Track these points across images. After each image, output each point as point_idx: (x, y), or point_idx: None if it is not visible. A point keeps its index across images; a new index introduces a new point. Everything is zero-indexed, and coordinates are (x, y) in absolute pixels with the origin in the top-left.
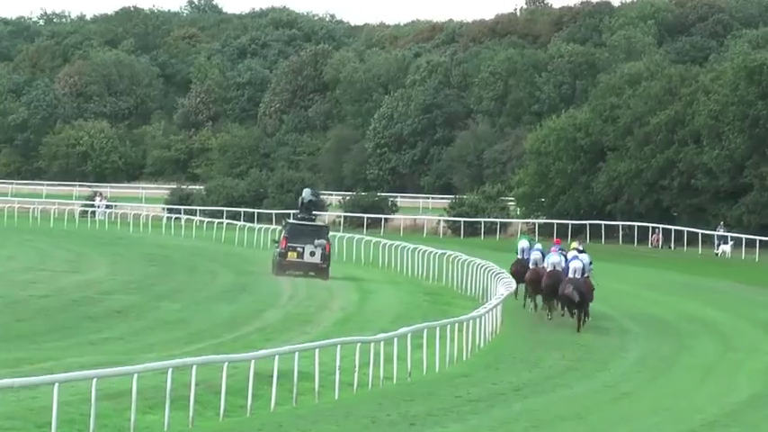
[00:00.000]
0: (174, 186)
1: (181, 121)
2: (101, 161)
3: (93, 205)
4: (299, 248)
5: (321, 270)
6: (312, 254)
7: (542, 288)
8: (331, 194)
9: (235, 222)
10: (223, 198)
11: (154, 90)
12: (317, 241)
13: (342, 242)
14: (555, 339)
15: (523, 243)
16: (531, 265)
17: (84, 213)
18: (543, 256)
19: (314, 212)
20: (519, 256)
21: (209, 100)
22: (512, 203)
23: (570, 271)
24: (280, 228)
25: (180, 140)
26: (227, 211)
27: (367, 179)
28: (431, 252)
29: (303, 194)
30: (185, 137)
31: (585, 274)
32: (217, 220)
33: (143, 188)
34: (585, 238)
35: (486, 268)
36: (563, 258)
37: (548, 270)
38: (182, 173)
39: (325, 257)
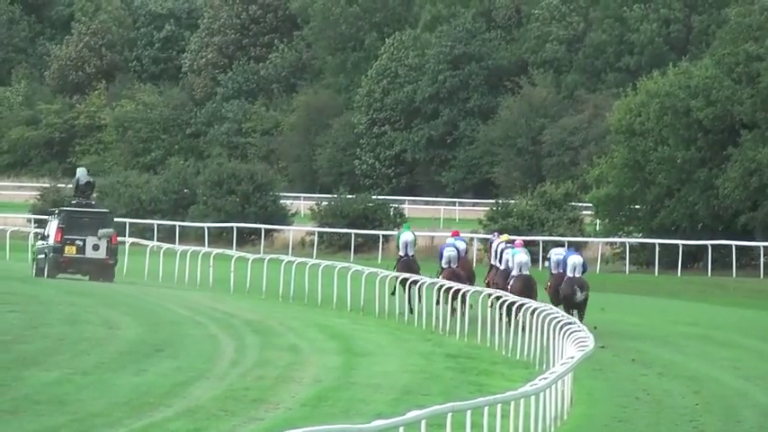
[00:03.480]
0: (47, 185)
1: (56, 80)
2: None
3: None
4: (78, 241)
5: (106, 268)
6: (96, 247)
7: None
8: (298, 198)
9: (143, 242)
10: (125, 204)
11: (17, 33)
12: (101, 231)
13: (313, 273)
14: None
15: (408, 236)
16: (444, 264)
17: None
18: (459, 253)
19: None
20: (401, 254)
21: (100, 45)
22: (588, 213)
23: (569, 268)
24: (50, 218)
25: (54, 111)
26: (130, 224)
27: (356, 173)
28: (457, 291)
29: (78, 174)
30: (63, 105)
31: (584, 272)
32: None
33: None
34: (706, 266)
35: (547, 316)
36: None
37: (514, 273)
38: (58, 162)
39: (112, 251)
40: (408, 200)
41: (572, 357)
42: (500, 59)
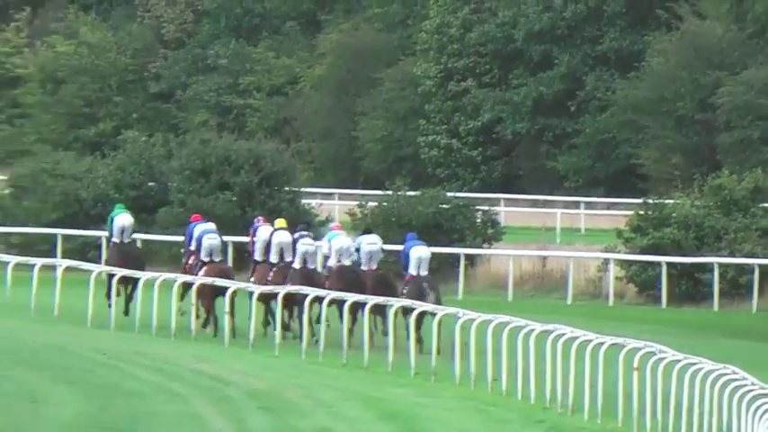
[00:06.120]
0: None
1: None
2: None
3: None
4: None
5: None
6: None
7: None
8: (330, 196)
9: (86, 267)
10: (55, 205)
11: None
12: None
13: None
14: None
15: (125, 219)
16: (205, 257)
17: None
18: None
19: None
20: (116, 240)
21: None
22: None
23: (412, 263)
24: None
25: None
26: (65, 236)
27: (421, 158)
28: (593, 342)
29: None
30: None
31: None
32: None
33: None
34: None
35: (729, 382)
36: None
37: (332, 263)
38: None
39: None
40: (504, 198)
41: None
42: None
